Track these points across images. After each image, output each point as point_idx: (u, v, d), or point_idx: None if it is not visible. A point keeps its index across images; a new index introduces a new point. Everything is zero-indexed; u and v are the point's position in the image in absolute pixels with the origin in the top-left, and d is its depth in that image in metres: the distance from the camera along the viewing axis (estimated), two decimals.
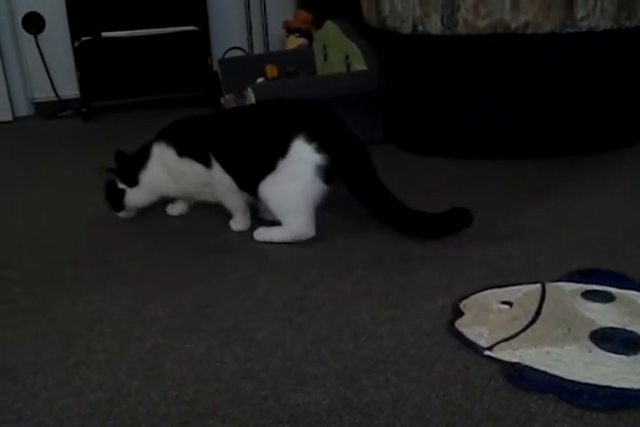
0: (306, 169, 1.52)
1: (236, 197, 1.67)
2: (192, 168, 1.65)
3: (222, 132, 1.63)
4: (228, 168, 1.62)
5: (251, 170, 1.59)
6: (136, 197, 1.76)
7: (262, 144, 1.57)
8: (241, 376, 1.11)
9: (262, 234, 1.65)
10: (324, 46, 2.65)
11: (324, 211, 1.63)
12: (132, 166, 1.74)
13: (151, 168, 1.72)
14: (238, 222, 1.72)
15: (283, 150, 1.52)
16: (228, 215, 1.73)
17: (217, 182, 1.65)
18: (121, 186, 1.76)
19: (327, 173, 1.53)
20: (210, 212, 1.78)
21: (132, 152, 1.76)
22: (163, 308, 1.35)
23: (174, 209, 1.87)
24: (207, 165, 1.63)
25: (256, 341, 1.21)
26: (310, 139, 1.51)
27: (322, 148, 1.51)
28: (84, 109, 3.03)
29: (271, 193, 1.57)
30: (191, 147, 1.66)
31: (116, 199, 1.77)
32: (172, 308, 1.34)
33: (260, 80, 2.60)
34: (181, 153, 1.66)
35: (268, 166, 1.55)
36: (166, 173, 1.70)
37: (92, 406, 1.05)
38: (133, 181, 1.74)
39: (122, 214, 1.80)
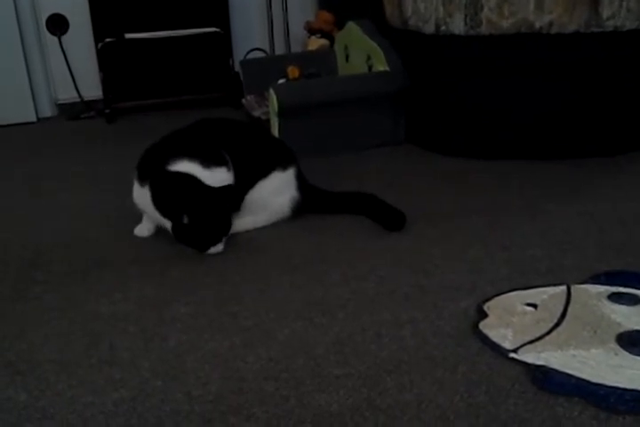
0: (292, 186, 1.74)
1: None
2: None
3: (238, 138, 1.72)
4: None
5: (253, 172, 1.69)
6: None
7: (273, 155, 1.74)
8: (264, 376, 1.11)
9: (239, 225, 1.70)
10: (346, 47, 2.64)
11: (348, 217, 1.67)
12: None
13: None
14: None
15: (284, 166, 1.73)
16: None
17: None
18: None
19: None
20: None
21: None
22: (186, 307, 1.35)
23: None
24: (229, 167, 1.64)
25: (278, 340, 1.21)
26: (297, 166, 1.77)
27: (298, 174, 1.77)
28: (107, 110, 3.04)
29: (265, 198, 1.71)
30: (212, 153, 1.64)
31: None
32: (194, 307, 1.35)
33: (281, 81, 2.60)
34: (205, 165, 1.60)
35: (264, 173, 1.70)
36: None
37: (116, 405, 1.05)
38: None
39: (218, 249, 1.60)
